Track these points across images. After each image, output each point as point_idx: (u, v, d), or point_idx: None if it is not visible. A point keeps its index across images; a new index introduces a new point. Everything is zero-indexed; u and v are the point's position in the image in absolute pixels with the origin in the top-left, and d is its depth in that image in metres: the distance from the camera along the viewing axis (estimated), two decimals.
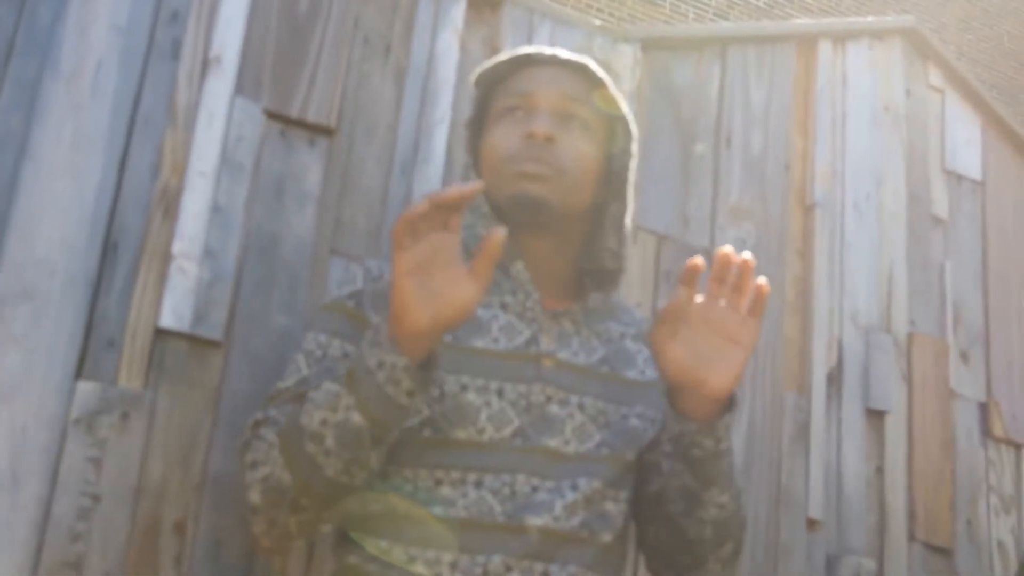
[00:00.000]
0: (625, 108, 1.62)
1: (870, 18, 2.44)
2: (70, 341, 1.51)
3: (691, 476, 1.43)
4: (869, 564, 2.06)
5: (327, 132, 1.74)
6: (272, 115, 1.71)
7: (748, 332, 1.36)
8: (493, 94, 1.60)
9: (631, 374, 1.55)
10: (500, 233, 1.21)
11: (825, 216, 2.22)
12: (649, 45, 2.09)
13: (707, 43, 2.18)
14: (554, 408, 1.46)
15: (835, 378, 2.15)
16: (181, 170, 1.62)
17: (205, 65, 1.67)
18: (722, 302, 1.36)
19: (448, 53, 1.88)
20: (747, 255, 1.33)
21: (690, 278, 1.34)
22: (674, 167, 2.09)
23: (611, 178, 1.62)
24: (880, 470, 2.15)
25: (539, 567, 1.39)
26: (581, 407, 1.48)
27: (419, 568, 1.38)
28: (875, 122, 2.36)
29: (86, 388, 1.50)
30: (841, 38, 2.35)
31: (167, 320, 1.56)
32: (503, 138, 1.53)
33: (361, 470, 1.32)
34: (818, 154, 2.26)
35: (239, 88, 1.69)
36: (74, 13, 1.60)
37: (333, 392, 1.29)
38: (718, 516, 1.46)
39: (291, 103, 1.72)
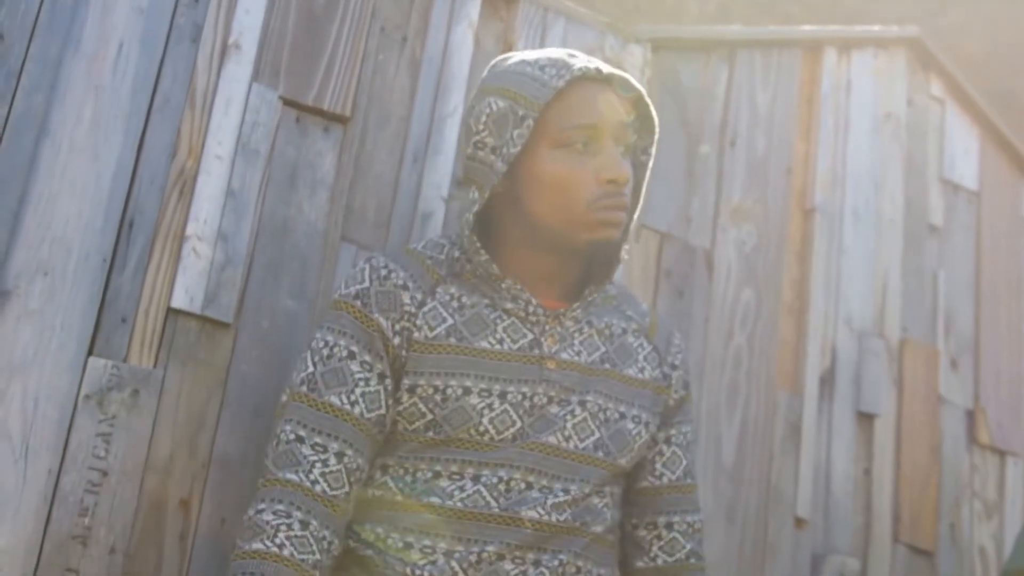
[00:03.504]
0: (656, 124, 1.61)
1: (875, 27, 2.47)
2: (84, 318, 1.53)
3: None
4: (853, 564, 2.10)
5: (341, 120, 1.76)
6: (288, 102, 1.73)
7: None
8: (545, 110, 1.51)
9: (631, 371, 1.58)
10: None
11: (824, 220, 2.26)
12: (659, 46, 2.12)
13: (715, 46, 2.21)
14: (554, 408, 1.49)
15: (828, 380, 2.18)
16: (197, 153, 1.65)
17: (224, 50, 1.69)
18: None
19: (462, 47, 1.90)
20: None
21: None
22: (679, 167, 2.12)
23: (636, 189, 1.63)
24: (868, 472, 2.19)
25: (531, 556, 1.43)
26: (582, 404, 1.51)
27: (414, 555, 1.42)
28: (876, 129, 2.39)
29: (98, 364, 1.53)
30: (846, 46, 2.38)
31: (179, 300, 1.59)
32: (576, 178, 1.49)
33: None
34: (820, 159, 2.29)
35: (257, 74, 1.71)
36: None
37: None
38: None
39: (307, 91, 1.74)
